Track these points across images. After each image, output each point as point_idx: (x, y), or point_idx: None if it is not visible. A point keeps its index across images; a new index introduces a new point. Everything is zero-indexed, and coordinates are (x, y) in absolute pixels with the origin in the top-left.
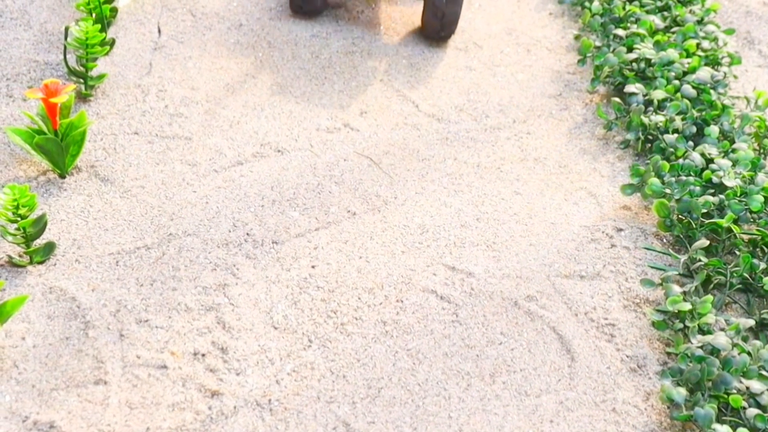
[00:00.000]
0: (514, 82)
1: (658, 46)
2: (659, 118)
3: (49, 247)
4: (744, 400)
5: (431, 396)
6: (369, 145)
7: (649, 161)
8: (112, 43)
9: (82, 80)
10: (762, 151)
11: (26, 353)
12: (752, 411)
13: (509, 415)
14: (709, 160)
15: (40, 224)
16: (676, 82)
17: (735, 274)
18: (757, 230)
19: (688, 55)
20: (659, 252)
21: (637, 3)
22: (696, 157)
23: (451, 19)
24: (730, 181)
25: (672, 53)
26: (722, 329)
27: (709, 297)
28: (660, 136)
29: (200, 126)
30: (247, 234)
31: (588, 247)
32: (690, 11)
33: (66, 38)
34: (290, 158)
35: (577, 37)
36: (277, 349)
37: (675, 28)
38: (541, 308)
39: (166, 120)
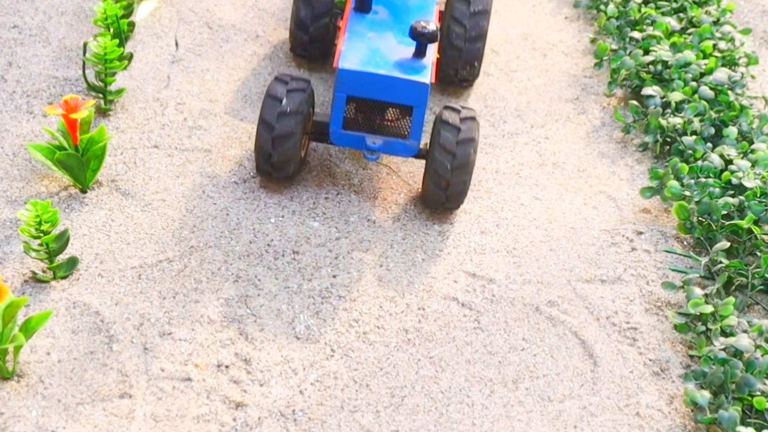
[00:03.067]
0: (531, 87)
1: (675, 47)
2: (677, 120)
3: (72, 262)
4: None
5: (454, 403)
6: None
7: (667, 164)
8: (131, 57)
9: (101, 95)
10: None
11: (51, 368)
12: None
13: (533, 421)
14: (728, 162)
15: (63, 239)
16: (694, 83)
17: (757, 276)
18: None
19: (705, 56)
20: (680, 254)
21: (652, 5)
22: (715, 159)
23: (458, 190)
24: (750, 182)
25: (689, 55)
26: (745, 331)
27: (731, 299)
28: (678, 138)
29: (219, 138)
30: (268, 245)
31: (608, 251)
32: (706, 12)
33: (84, 54)
34: (309, 168)
35: (593, 41)
36: (300, 359)
37: (691, 30)
38: (562, 313)
39: (185, 133)
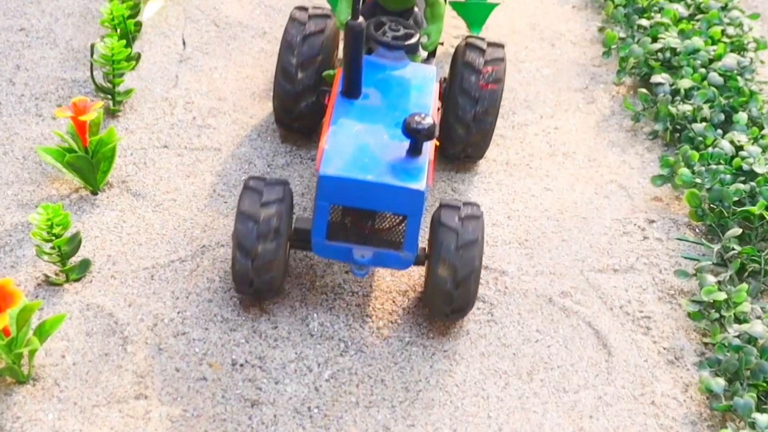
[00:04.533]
0: (540, 78)
1: (683, 34)
2: (687, 107)
3: (85, 265)
4: None
5: (469, 396)
6: None
7: (678, 151)
8: (138, 57)
9: (109, 96)
10: None
11: (67, 371)
12: None
13: (548, 412)
14: (739, 148)
15: (75, 242)
16: (703, 70)
17: None
18: None
19: (714, 43)
20: (692, 242)
21: None
22: (725, 145)
23: (462, 303)
24: (761, 168)
25: (697, 41)
26: (759, 317)
27: (744, 285)
28: (688, 125)
29: (229, 136)
30: None
31: (620, 240)
32: None
33: (92, 55)
34: None
35: (601, 30)
36: (315, 356)
37: (699, 16)
38: (576, 304)
39: (194, 132)
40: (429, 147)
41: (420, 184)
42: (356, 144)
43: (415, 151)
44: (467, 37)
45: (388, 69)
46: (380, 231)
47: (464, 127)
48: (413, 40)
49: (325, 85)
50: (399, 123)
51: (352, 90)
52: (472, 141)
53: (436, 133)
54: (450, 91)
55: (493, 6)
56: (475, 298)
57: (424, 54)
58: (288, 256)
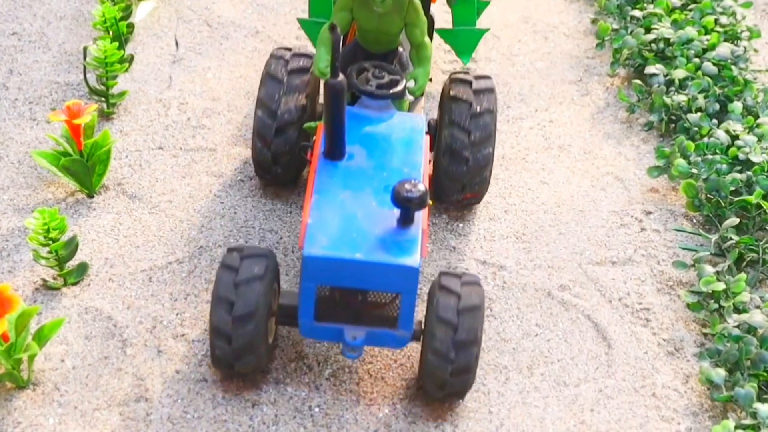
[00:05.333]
0: (534, 71)
1: (676, 24)
2: (681, 98)
3: (82, 268)
4: None
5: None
6: None
7: (673, 142)
8: (131, 59)
9: (103, 99)
10: None
11: (66, 375)
12: None
13: (549, 406)
14: (735, 137)
15: (72, 246)
16: (697, 60)
17: (767, 251)
18: None
19: (707, 32)
20: (690, 233)
21: None
22: (721, 135)
23: (459, 389)
24: (757, 157)
25: (690, 31)
26: (758, 307)
27: (743, 275)
28: (683, 115)
29: (224, 136)
30: (277, 242)
31: (618, 232)
32: None
33: (85, 58)
34: None
35: (594, 21)
36: (315, 355)
37: (692, 6)
38: (574, 297)
39: (189, 133)
40: (422, 215)
41: (414, 259)
42: (342, 215)
43: (406, 220)
44: (451, 75)
45: (373, 121)
46: (373, 307)
47: (458, 182)
48: (399, 88)
49: (306, 138)
50: (388, 187)
51: (335, 152)
52: (469, 182)
53: (428, 200)
54: (439, 137)
55: (482, 32)
56: (470, 385)
57: (411, 97)
58: (275, 333)
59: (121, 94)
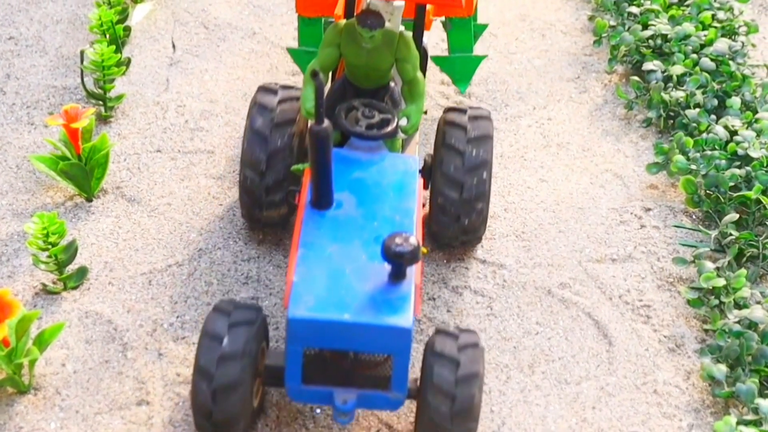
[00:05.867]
0: (532, 69)
1: (674, 20)
2: (680, 94)
3: (82, 272)
4: None
5: None
6: None
7: (672, 138)
8: (128, 62)
9: (101, 102)
10: None
11: (67, 379)
12: None
13: (551, 404)
14: (733, 132)
15: (71, 250)
16: (694, 55)
17: (767, 246)
18: None
19: (704, 28)
20: (689, 229)
21: None
22: (719, 131)
23: None
24: (756, 152)
25: (688, 27)
26: (758, 302)
27: (743, 271)
28: (682, 111)
29: (222, 138)
30: (277, 244)
31: (617, 229)
32: None
33: (82, 62)
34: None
35: (591, 18)
36: None
37: (689, 1)
38: (575, 295)
39: (187, 135)
40: (414, 269)
41: (406, 319)
42: (330, 271)
43: (397, 276)
44: (447, 110)
45: (363, 165)
46: (364, 367)
47: (454, 216)
48: (390, 128)
49: (293, 182)
50: (378, 238)
51: (321, 201)
52: (465, 225)
53: (420, 255)
54: (434, 173)
55: (480, 59)
56: None
57: (403, 135)
58: (262, 394)
59: (119, 98)
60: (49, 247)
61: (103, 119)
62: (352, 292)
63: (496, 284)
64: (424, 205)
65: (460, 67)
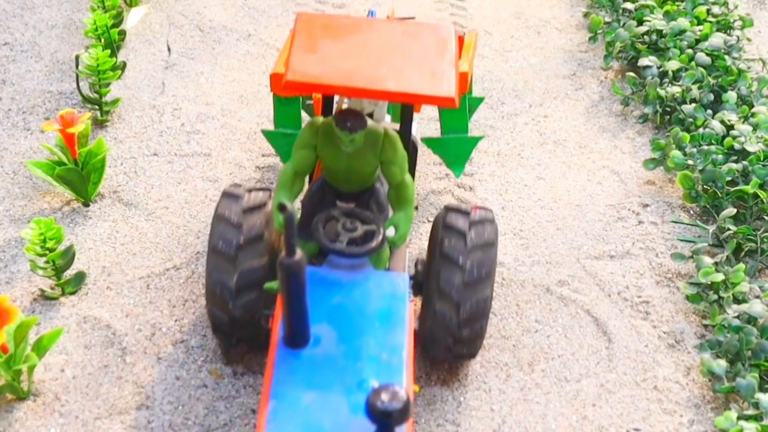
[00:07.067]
0: (527, 66)
1: (669, 16)
2: (676, 89)
3: (80, 277)
4: None
5: (471, 390)
6: None
7: (668, 134)
8: (124, 66)
9: (97, 107)
10: None
11: (67, 385)
12: None
13: (551, 402)
14: (730, 127)
15: (69, 255)
16: (690, 50)
17: (765, 240)
18: None
19: (699, 23)
20: (687, 224)
21: None
22: (716, 125)
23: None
24: (753, 146)
25: (683, 22)
26: (757, 297)
27: (741, 265)
28: (678, 107)
29: (218, 141)
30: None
31: (615, 225)
32: None
33: (77, 66)
34: None
35: (586, 15)
36: None
37: None
38: (573, 292)
39: (183, 138)
40: (405, 428)
41: None
42: (305, 427)
43: None
44: (446, 209)
45: (344, 288)
46: None
47: (450, 334)
48: (375, 243)
49: (267, 303)
50: (363, 382)
51: (295, 339)
52: (460, 341)
53: (410, 411)
54: (428, 283)
55: (476, 140)
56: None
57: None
58: None
59: (115, 102)
60: (47, 252)
61: (99, 124)
62: None
63: (494, 282)
64: (415, 330)
65: (455, 149)
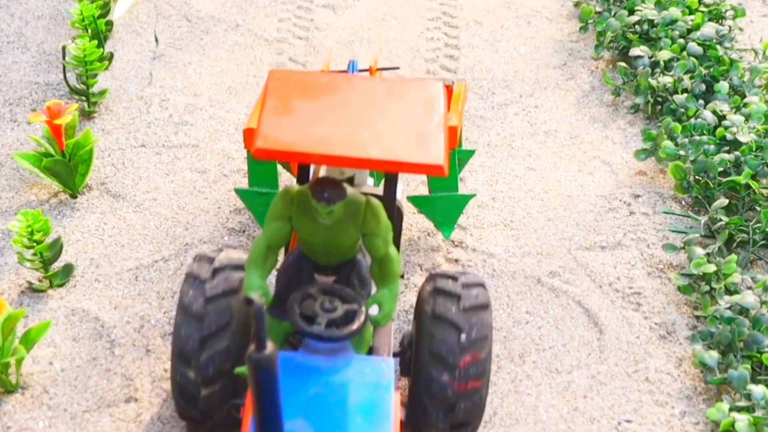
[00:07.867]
0: (518, 56)
1: (660, 5)
2: (667, 79)
3: (68, 269)
4: None
5: None
6: None
7: (660, 124)
8: (111, 57)
9: (84, 98)
10: None
11: (55, 377)
12: None
13: (542, 394)
14: (721, 117)
15: (57, 247)
16: (681, 40)
17: (757, 231)
18: None
19: (691, 12)
20: (679, 215)
21: None
22: (708, 116)
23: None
24: (744, 137)
25: (674, 11)
26: (749, 288)
27: (733, 256)
28: (669, 97)
29: (206, 132)
30: None
31: (606, 216)
32: None
33: (64, 57)
34: None
35: (577, 4)
36: None
37: None
38: (564, 283)
39: (171, 129)
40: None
41: None
42: None
43: None
44: (432, 276)
45: (322, 376)
46: None
47: (444, 403)
48: (356, 325)
49: (237, 391)
50: None
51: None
52: (457, 415)
53: None
54: (419, 352)
55: (467, 198)
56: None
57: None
58: None
59: (102, 93)
60: (34, 244)
61: (86, 115)
62: None
63: (485, 274)
64: (401, 420)
65: (444, 208)
